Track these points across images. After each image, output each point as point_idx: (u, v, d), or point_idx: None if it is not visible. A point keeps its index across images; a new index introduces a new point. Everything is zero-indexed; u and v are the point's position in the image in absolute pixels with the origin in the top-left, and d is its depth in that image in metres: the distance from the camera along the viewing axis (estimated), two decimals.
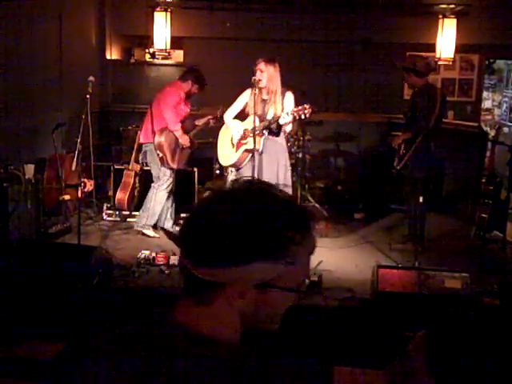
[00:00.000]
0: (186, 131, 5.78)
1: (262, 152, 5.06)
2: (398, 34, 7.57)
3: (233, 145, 5.27)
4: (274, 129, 5.08)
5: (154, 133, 5.67)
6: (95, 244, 5.35)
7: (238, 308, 1.08)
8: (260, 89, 4.99)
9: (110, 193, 6.52)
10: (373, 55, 7.70)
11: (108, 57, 7.92)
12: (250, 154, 5.08)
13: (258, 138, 4.95)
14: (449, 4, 7.27)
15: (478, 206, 6.03)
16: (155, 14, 7.48)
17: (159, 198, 5.82)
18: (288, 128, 5.18)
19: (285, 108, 5.01)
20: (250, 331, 1.12)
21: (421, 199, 5.23)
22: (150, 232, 5.87)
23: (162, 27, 7.46)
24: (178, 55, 8.16)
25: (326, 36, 7.59)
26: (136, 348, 1.06)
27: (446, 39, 7.24)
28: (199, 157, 7.01)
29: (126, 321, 1.18)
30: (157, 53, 7.60)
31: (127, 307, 4.20)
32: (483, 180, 6.03)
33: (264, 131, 5.05)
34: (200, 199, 1.15)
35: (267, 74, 4.97)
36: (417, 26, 7.53)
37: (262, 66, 4.98)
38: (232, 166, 5.42)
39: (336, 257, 5.52)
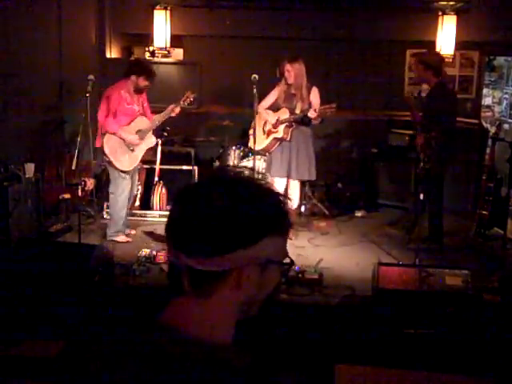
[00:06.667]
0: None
1: (290, 140, 5.74)
2: (398, 32, 7.54)
3: (264, 131, 5.91)
4: (303, 122, 5.69)
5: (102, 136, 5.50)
6: (96, 243, 5.35)
7: (243, 293, 1.00)
8: (289, 85, 5.69)
9: None
10: (373, 53, 7.68)
11: (108, 55, 7.91)
12: (278, 142, 5.77)
13: (286, 129, 5.69)
14: (449, 1, 7.24)
15: (478, 203, 6.02)
16: (155, 12, 7.46)
17: (120, 203, 5.64)
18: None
19: (312, 102, 5.66)
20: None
21: (421, 196, 5.20)
22: (120, 238, 5.66)
23: (162, 25, 7.45)
24: (178, 53, 8.14)
25: (325, 34, 7.58)
26: (125, 358, 0.98)
27: (445, 36, 7.21)
28: (199, 155, 7.00)
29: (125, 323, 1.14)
30: (157, 51, 7.58)
31: (128, 306, 4.20)
32: (483, 177, 6.02)
33: (293, 124, 5.70)
34: (183, 188, 1.03)
35: (293, 73, 5.61)
36: (417, 24, 7.50)
37: (287, 66, 5.62)
38: (262, 150, 5.98)
39: (337, 255, 5.52)
